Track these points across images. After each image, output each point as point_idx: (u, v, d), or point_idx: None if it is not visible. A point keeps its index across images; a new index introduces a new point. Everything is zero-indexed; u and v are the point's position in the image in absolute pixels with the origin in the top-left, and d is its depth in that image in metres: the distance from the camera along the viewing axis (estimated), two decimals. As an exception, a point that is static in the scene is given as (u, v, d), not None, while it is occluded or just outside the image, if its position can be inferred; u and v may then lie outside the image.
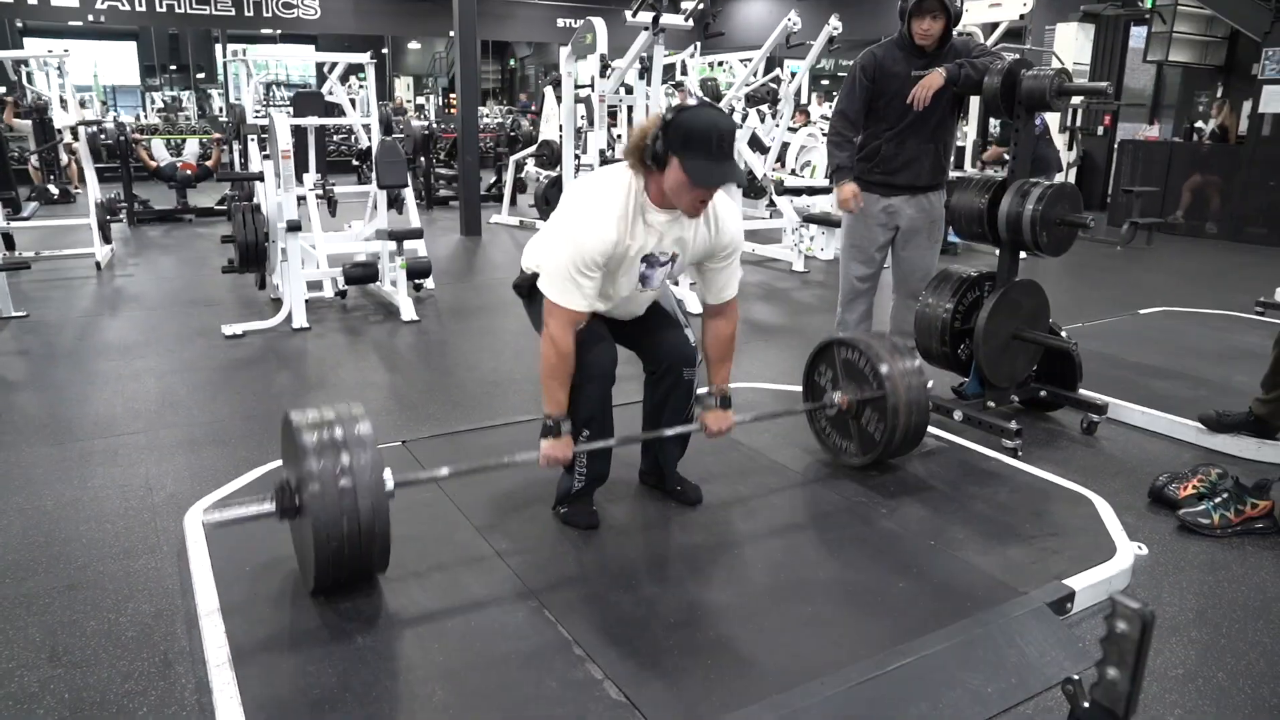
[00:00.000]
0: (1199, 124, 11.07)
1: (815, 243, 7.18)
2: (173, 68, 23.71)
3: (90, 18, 16.68)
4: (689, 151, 2.16)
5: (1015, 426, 3.29)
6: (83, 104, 13.47)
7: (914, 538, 2.60)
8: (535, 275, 2.48)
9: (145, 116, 18.47)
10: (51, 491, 2.94)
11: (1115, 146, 11.15)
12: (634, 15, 5.81)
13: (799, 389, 3.47)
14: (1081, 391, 3.69)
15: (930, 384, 3.96)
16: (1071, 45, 9.73)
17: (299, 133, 6.34)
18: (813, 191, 7.42)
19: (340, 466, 2.10)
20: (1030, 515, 2.75)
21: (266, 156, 5.17)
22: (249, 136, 5.74)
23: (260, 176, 5.28)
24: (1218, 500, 2.81)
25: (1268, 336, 5.10)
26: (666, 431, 2.66)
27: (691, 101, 2.51)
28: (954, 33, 3.54)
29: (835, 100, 3.68)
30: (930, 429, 3.43)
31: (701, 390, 2.66)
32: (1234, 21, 10.00)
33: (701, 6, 5.68)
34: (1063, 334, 3.71)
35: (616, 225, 2.28)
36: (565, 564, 2.45)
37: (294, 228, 4.93)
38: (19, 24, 18.46)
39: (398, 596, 2.26)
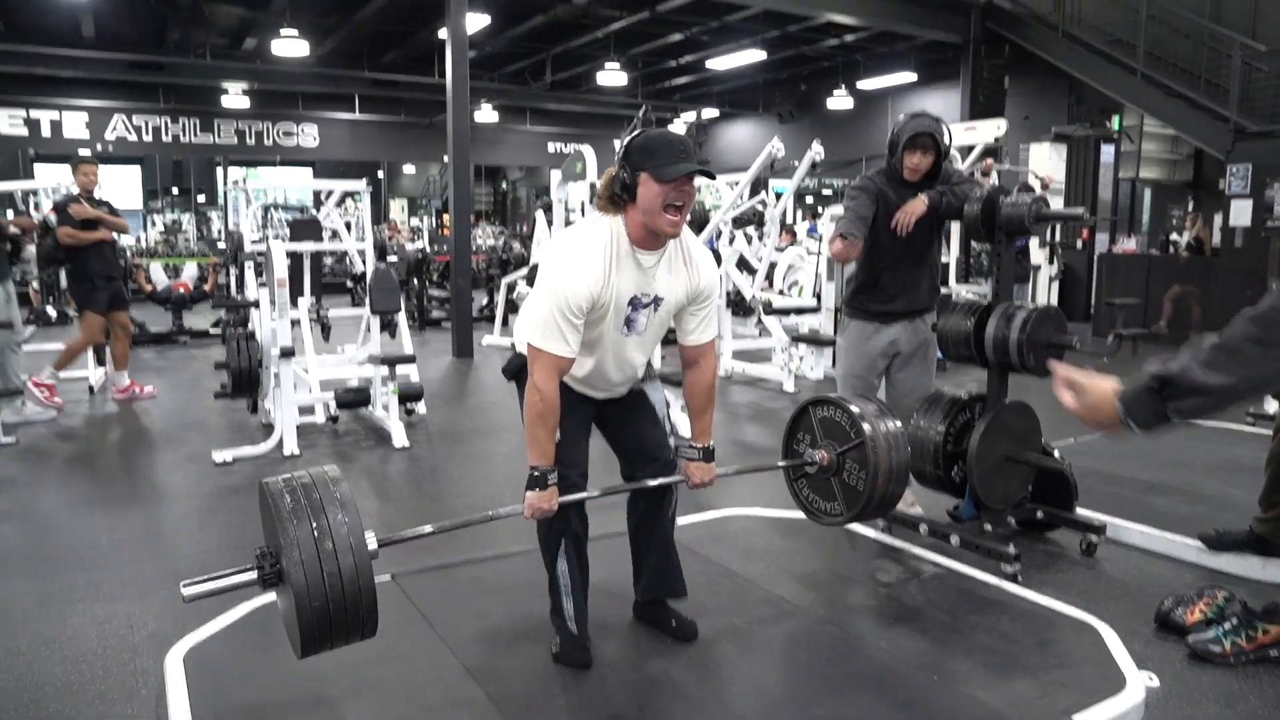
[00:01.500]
0: (1174, 236, 11.41)
1: (805, 362, 7.24)
2: (174, 190, 24.31)
3: (99, 148, 17.23)
4: (653, 159, 2.23)
5: (1014, 551, 3.25)
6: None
7: (915, 672, 2.53)
8: (524, 355, 2.45)
9: (146, 239, 18.84)
10: (28, 630, 2.86)
11: (1095, 259, 11.44)
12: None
13: (795, 515, 3.44)
14: (1079, 511, 3.67)
15: (919, 509, 3.95)
16: (1045, 163, 10.09)
17: (295, 257, 6.45)
18: (801, 311, 7.53)
19: (319, 529, 2.02)
20: (1034, 645, 2.69)
21: (263, 284, 5.24)
22: (245, 262, 5.83)
23: (256, 304, 5.34)
24: (1228, 626, 2.75)
25: (1261, 449, 5.10)
26: (650, 483, 2.59)
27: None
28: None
29: (842, 214, 3.69)
30: (927, 555, 3.40)
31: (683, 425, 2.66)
32: (1197, 141, 10.43)
33: (690, 135, 5.88)
34: (1055, 452, 3.71)
35: (600, 266, 2.29)
36: (557, 706, 2.37)
37: (288, 354, 4.96)
38: (31, 152, 19.01)
39: (384, 745, 2.18)
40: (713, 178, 2.39)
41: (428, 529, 2.35)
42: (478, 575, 3.24)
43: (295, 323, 5.40)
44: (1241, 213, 9.65)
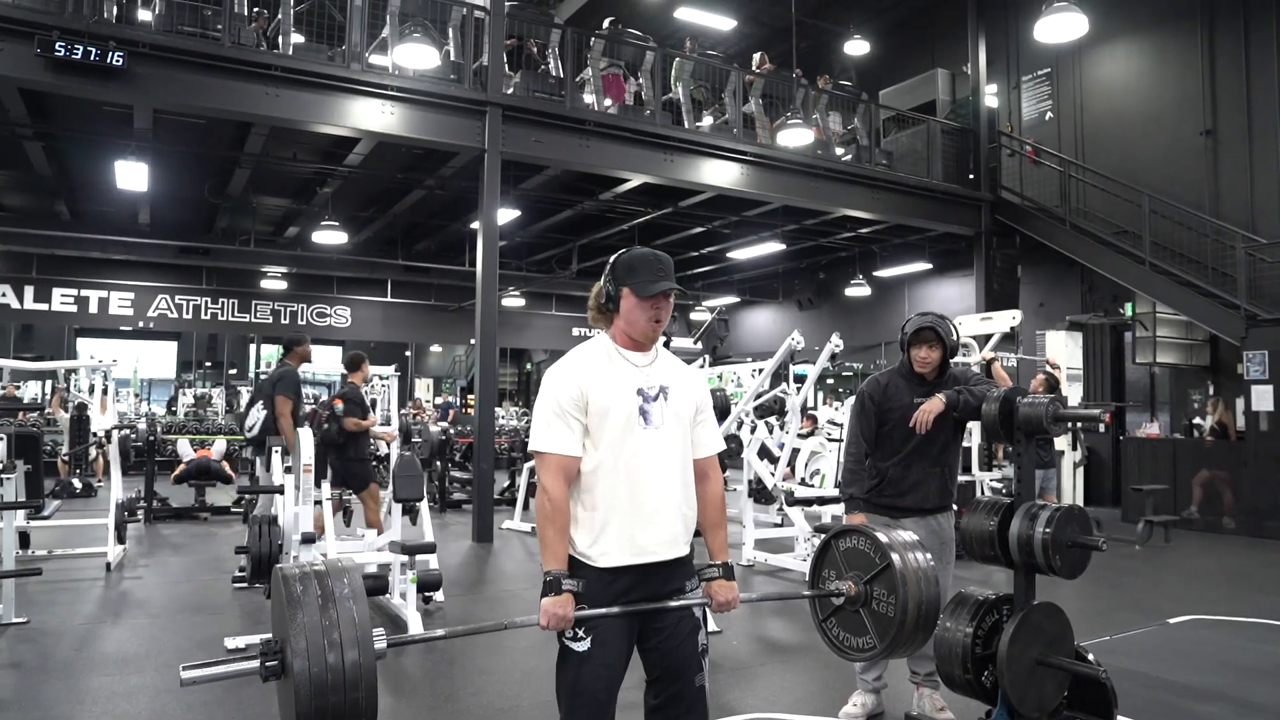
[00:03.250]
0: (1197, 420, 11.37)
1: (829, 549, 7.12)
2: (208, 364, 25.01)
3: (141, 324, 17.93)
4: (633, 275, 2.44)
5: (1053, 765, 3.08)
6: (117, 395, 14.17)
7: None
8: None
9: (176, 411, 19.25)
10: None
11: (1119, 441, 11.38)
12: None
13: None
14: (1120, 719, 3.49)
15: (949, 715, 3.80)
16: (1062, 351, 10.25)
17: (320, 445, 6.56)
18: (823, 501, 7.48)
19: (328, 620, 1.97)
20: None
21: (288, 469, 5.32)
22: (272, 448, 5.94)
23: (280, 489, 5.40)
24: None
25: (1308, 652, 4.94)
26: (671, 604, 2.46)
27: None
28: (951, 362, 3.77)
29: (846, 430, 3.84)
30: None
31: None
32: (1210, 327, 10.61)
33: (710, 331, 6.07)
34: (1089, 656, 3.58)
35: (587, 363, 2.46)
36: None
37: (309, 540, 4.97)
38: (75, 326, 19.78)
39: None
40: (686, 293, 2.66)
41: (440, 632, 2.32)
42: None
43: (318, 503, 5.44)
44: (1263, 398, 9.69)
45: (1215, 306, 10.28)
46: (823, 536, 3.10)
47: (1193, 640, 5.13)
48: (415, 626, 5.19)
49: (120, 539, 7.30)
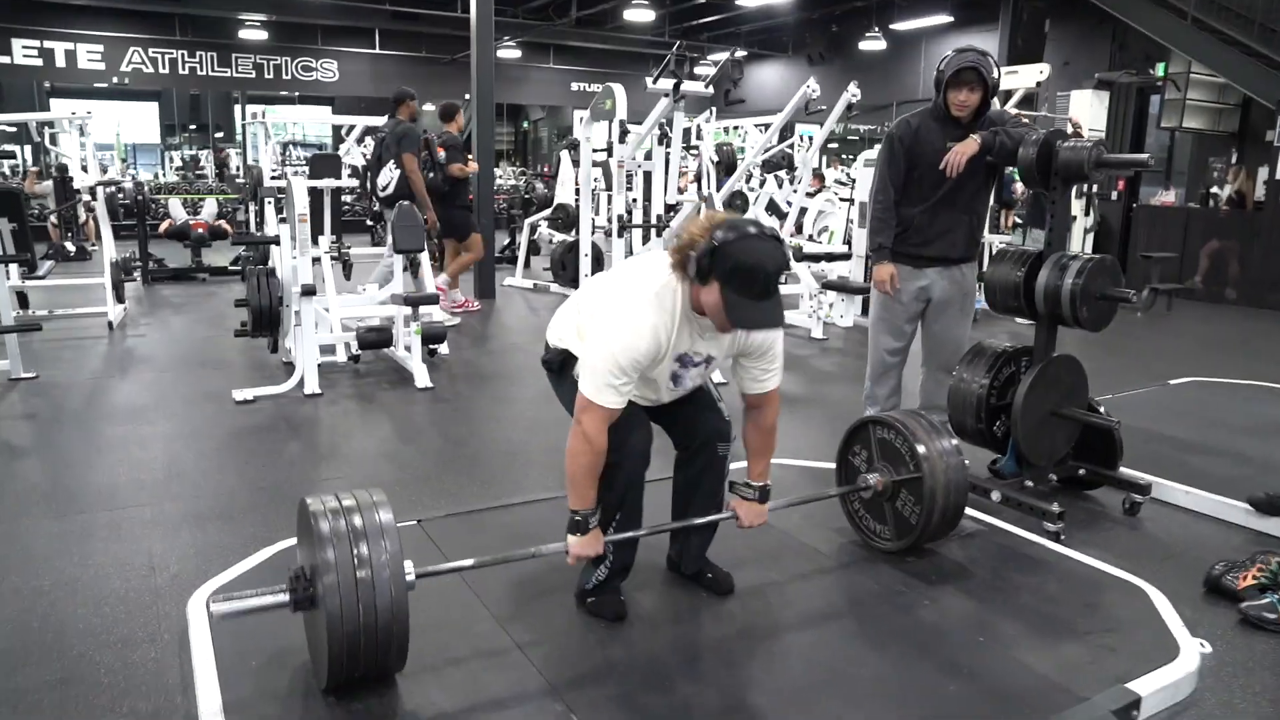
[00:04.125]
0: (1214, 189, 11.06)
1: (834, 309, 7.08)
2: (192, 127, 24.07)
3: (115, 80, 17.02)
4: (732, 285, 2.06)
5: (1058, 509, 3.14)
6: (103, 167, 13.67)
7: (961, 632, 2.44)
8: (565, 352, 2.40)
9: (164, 175, 18.71)
10: (50, 569, 2.81)
11: (1130, 211, 11.12)
12: (655, 82, 5.81)
13: (826, 465, 3.34)
14: (1123, 470, 3.54)
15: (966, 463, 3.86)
16: (1087, 112, 9.75)
17: (315, 195, 6.31)
18: (831, 258, 7.35)
19: (359, 556, 1.98)
20: (1082, 607, 2.59)
21: (283, 220, 5.12)
22: (265, 198, 5.70)
23: (276, 240, 5.23)
24: (1282, 594, 2.65)
25: (1305, 411, 5.00)
26: (696, 520, 2.56)
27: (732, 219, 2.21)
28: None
29: (873, 176, 3.59)
30: (966, 510, 3.29)
31: (736, 468, 2.54)
32: (1248, 90, 10.04)
33: (723, 74, 5.68)
34: (1100, 409, 3.57)
35: (659, 332, 2.19)
36: (592, 659, 2.30)
37: (309, 292, 4.86)
38: (47, 86, 18.81)
39: (414, 696, 2.11)
40: (780, 325, 2.20)
41: (469, 562, 2.30)
42: (505, 521, 3.16)
43: (316, 261, 5.29)
44: (1289, 165, 9.32)
45: (1258, 68, 9.66)
46: (859, 419, 3.05)
47: (1192, 400, 5.19)
48: (421, 378, 5.21)
49: (119, 298, 7.21)
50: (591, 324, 2.29)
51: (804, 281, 6.93)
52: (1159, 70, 11.06)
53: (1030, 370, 3.34)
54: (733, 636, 2.43)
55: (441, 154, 6.79)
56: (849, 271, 7.12)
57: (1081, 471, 3.60)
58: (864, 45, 15.37)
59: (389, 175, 6.67)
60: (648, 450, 2.39)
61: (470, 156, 7.32)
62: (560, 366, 2.44)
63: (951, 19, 14.50)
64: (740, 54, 6.44)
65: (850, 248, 7.31)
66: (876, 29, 15.07)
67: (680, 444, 2.60)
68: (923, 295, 3.61)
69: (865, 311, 7.42)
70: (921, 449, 2.79)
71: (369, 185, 7.57)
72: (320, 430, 4.47)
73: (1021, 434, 3.32)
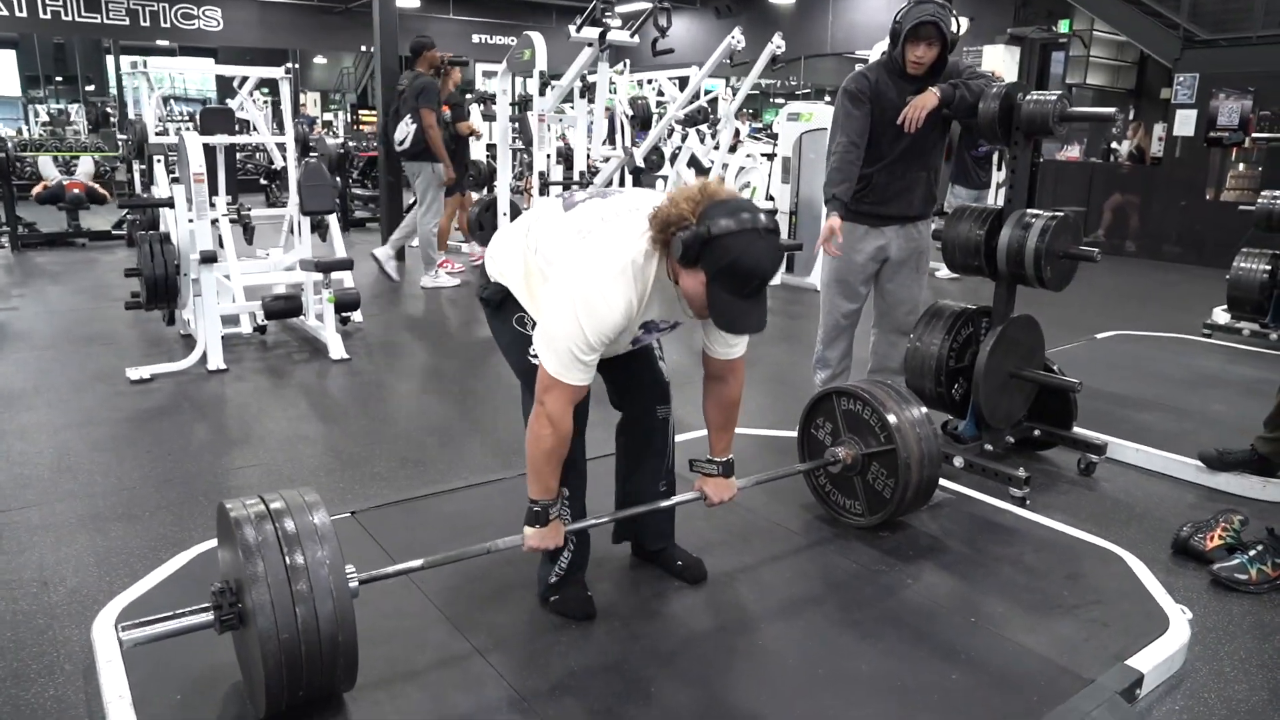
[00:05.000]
0: (1115, 145, 11.37)
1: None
2: (59, 79, 22.31)
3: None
4: (722, 283, 1.82)
5: (1024, 474, 3.07)
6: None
7: (950, 614, 2.32)
8: (505, 289, 2.16)
9: (28, 131, 17.23)
10: (-81, 589, 2.42)
11: (1035, 165, 11.33)
12: (578, 30, 5.48)
13: (781, 434, 3.19)
14: (1077, 430, 3.51)
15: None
16: (1000, 67, 9.81)
17: (208, 152, 5.80)
18: (758, 213, 7.18)
19: (294, 567, 1.72)
20: (1064, 579, 2.51)
21: (175, 180, 4.64)
22: (153, 156, 5.18)
23: (170, 202, 4.74)
24: (1252, 554, 2.62)
25: (1227, 361, 5.13)
26: (661, 504, 2.38)
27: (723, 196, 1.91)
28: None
29: (832, 133, 3.37)
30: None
31: (689, 440, 2.36)
32: (1146, 48, 10.28)
33: (653, 20, 5.39)
34: (1054, 368, 3.52)
35: (632, 306, 1.94)
36: (561, 664, 2.08)
37: (209, 259, 4.42)
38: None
39: (366, 717, 1.87)
40: (762, 328, 1.92)
41: (417, 563, 2.06)
42: (447, 510, 2.90)
43: (214, 224, 4.83)
44: (1186, 123, 9.60)
45: (1155, 25, 9.88)
46: (822, 390, 2.91)
47: (1121, 354, 5.25)
48: (336, 349, 4.84)
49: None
50: (553, 289, 2.00)
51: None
52: (1063, 26, 11.23)
53: (991, 332, 3.25)
54: (712, 631, 2.26)
55: (447, 111, 6.70)
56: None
57: (1036, 433, 3.55)
58: (773, -1, 15.21)
59: (406, 130, 6.52)
60: (586, 410, 2.18)
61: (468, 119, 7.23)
62: (500, 304, 2.17)
63: (860, -28, 14.44)
64: (642, 8, 6.13)
65: (774, 203, 7.17)
66: (786, -19, 14.91)
67: (622, 403, 2.42)
68: (880, 255, 3.47)
69: (790, 269, 7.37)
70: (892, 419, 2.66)
71: (384, 139, 7.51)
72: (229, 411, 4.08)
73: (983, 397, 3.23)
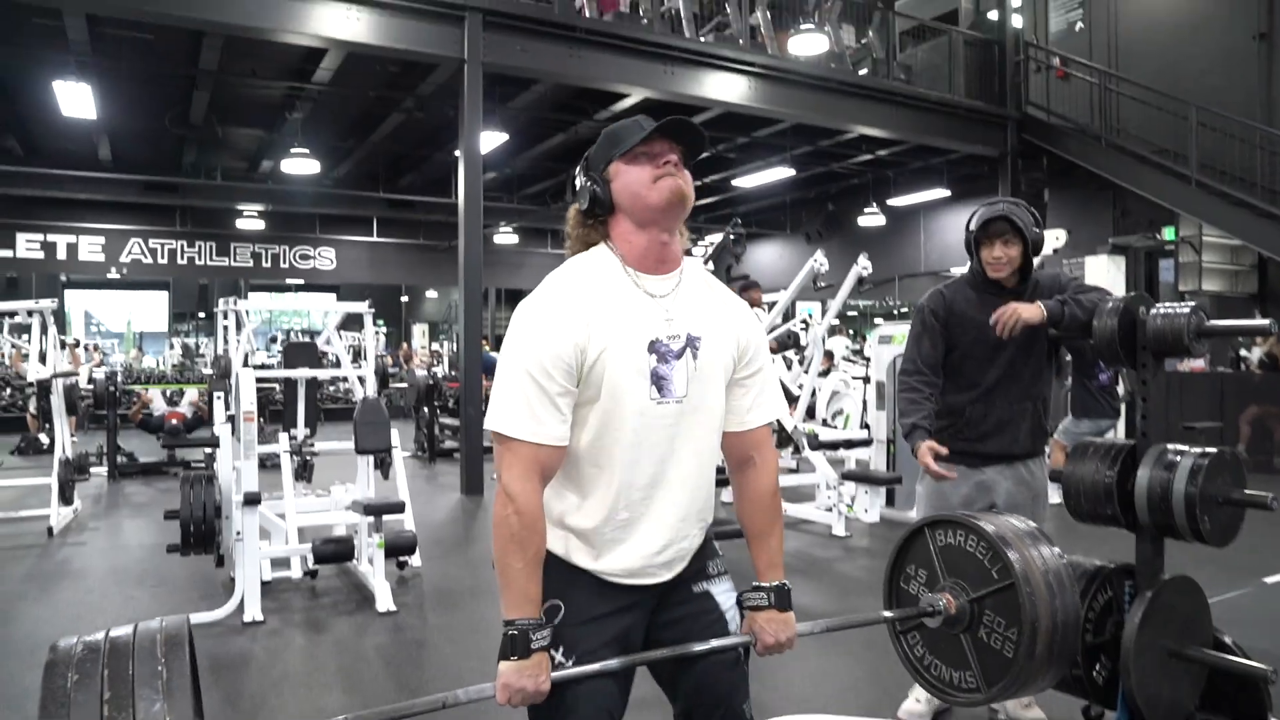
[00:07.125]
0: (1244, 353, 10.56)
1: (857, 503, 6.32)
2: (200, 314, 24.22)
3: (113, 272, 17.10)
4: (619, 144, 1.66)
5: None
6: (97, 347, 13.16)
7: None
8: None
9: (165, 363, 18.58)
10: None
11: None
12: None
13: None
14: (1271, 725, 2.72)
15: (1038, 712, 3.06)
16: (1104, 277, 9.38)
17: (289, 385, 5.77)
18: (850, 445, 6.65)
19: None
20: None
21: (230, 417, 4.50)
22: (213, 393, 5.12)
23: (216, 442, 4.58)
24: None
25: None
26: (695, 647, 1.67)
27: None
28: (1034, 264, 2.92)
29: (903, 357, 2.97)
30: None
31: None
32: (1265, 249, 9.72)
33: (723, 247, 5.23)
34: (1226, 639, 2.79)
35: (582, 296, 1.61)
36: None
37: (253, 501, 4.17)
38: (63, 278, 19.08)
39: None
40: (699, 134, 1.65)
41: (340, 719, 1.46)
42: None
43: (265, 464, 4.62)
44: (1320, 326, 8.84)
45: (1270, 226, 9.38)
46: (913, 524, 2.27)
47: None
48: (384, 598, 4.43)
49: (66, 499, 6.55)
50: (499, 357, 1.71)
51: (820, 471, 6.21)
52: (1167, 234, 10.82)
53: (1139, 598, 2.59)
54: None
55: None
56: (870, 458, 6.42)
57: (1214, 728, 2.77)
58: (863, 221, 15.33)
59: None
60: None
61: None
62: None
63: (949, 192, 14.50)
64: (739, 224, 6.00)
65: (869, 432, 6.65)
66: (874, 204, 15.08)
67: (681, 711, 1.78)
68: (982, 499, 2.91)
69: (890, 502, 6.72)
70: (1008, 550, 1.97)
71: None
72: (248, 675, 3.64)
73: (1135, 684, 2.52)
